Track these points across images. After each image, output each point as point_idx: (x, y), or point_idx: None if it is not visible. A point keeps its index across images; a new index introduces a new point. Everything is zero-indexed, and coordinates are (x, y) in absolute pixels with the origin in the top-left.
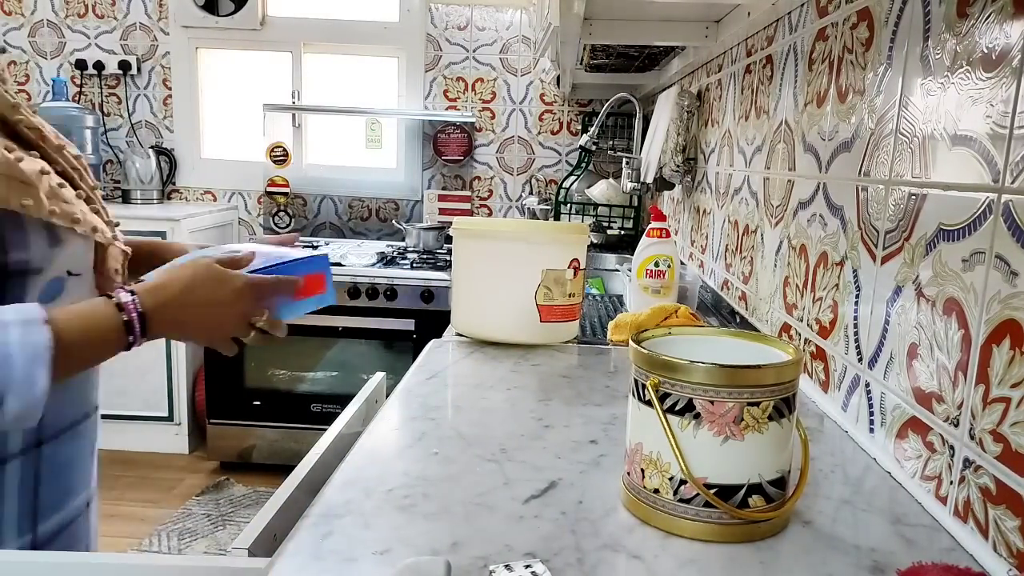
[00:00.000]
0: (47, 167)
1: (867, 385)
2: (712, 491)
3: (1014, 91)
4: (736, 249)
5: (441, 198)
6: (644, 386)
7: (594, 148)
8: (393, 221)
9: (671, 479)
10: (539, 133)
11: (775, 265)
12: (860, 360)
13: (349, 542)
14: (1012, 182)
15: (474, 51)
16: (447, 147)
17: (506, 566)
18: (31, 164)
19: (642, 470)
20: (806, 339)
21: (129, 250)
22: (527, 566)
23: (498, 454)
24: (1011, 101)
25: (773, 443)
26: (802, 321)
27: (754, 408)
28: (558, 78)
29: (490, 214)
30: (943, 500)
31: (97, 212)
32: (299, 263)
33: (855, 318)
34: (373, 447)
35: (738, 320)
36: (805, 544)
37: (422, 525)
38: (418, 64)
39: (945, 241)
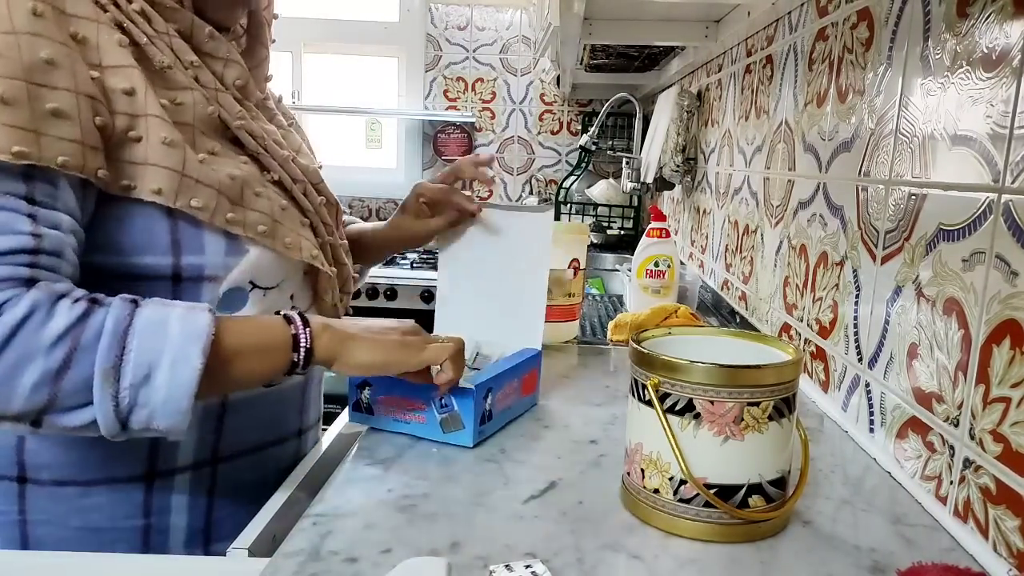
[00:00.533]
0: (246, 172)
1: (867, 385)
2: (712, 491)
3: (1014, 91)
4: (736, 249)
5: None
6: (644, 386)
7: (594, 148)
8: None
9: (671, 479)
10: (539, 133)
11: (775, 265)
12: (860, 360)
13: (349, 542)
14: (1012, 182)
15: (474, 51)
16: (447, 147)
17: (506, 566)
18: (223, 167)
19: (642, 470)
20: (806, 339)
21: (357, 278)
22: (527, 566)
23: (498, 454)
24: (1011, 101)
25: (773, 443)
26: (802, 321)
27: (754, 408)
28: (558, 78)
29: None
30: (943, 500)
31: (315, 229)
32: (521, 364)
33: (855, 318)
34: (373, 447)
35: (738, 320)
36: (805, 544)
37: (422, 525)
38: (418, 64)
39: (945, 241)
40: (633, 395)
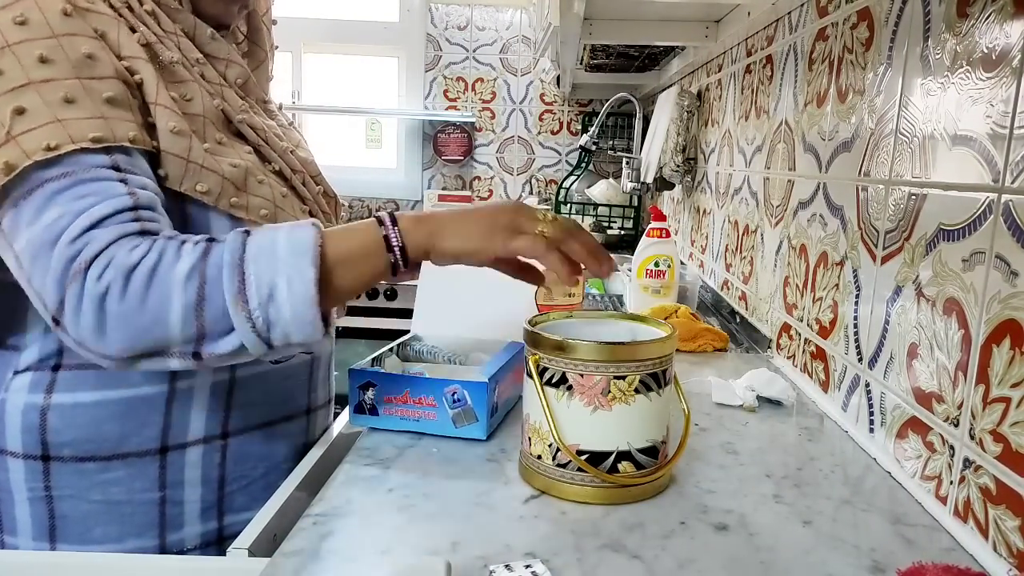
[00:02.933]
0: (247, 162)
1: (867, 385)
2: (583, 457)
3: (1014, 91)
4: (736, 249)
5: (441, 198)
6: (527, 361)
7: (594, 148)
8: None
9: (550, 446)
10: (539, 133)
11: (775, 265)
12: (860, 360)
13: (349, 542)
14: (1012, 182)
15: (474, 51)
16: (447, 147)
17: (506, 566)
18: (227, 156)
19: (529, 438)
20: (806, 339)
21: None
22: (527, 566)
23: (498, 454)
24: (1011, 101)
25: (641, 414)
26: (802, 321)
27: (620, 381)
28: (558, 78)
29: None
30: (943, 500)
31: (313, 215)
32: (515, 357)
33: (855, 318)
34: (373, 447)
35: (738, 320)
36: (805, 544)
37: (422, 525)
38: (418, 64)
39: (945, 241)
40: (525, 372)
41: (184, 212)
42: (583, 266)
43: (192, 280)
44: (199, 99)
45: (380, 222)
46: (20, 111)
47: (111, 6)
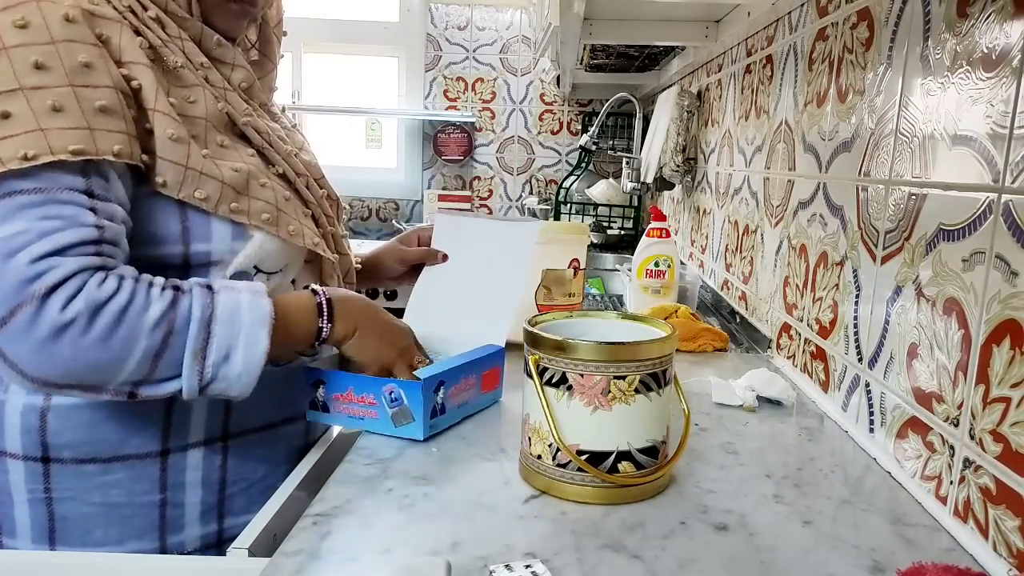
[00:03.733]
0: (250, 166)
1: (867, 385)
2: (583, 457)
3: (1014, 91)
4: (736, 249)
5: (441, 198)
6: (527, 362)
7: (594, 148)
8: (393, 221)
9: (550, 446)
10: (539, 133)
11: (775, 265)
12: (860, 360)
13: (349, 542)
14: (1012, 182)
15: (474, 51)
16: (447, 147)
17: (506, 566)
18: (230, 160)
19: (529, 438)
20: (806, 339)
21: (356, 263)
22: (527, 566)
23: (498, 454)
24: (1011, 101)
25: (641, 414)
26: (802, 321)
27: (620, 381)
28: (558, 78)
29: (490, 214)
30: (943, 500)
31: (316, 220)
32: (480, 360)
33: (855, 318)
34: (373, 447)
35: (738, 320)
36: (805, 544)
37: (422, 525)
38: (418, 64)
39: (945, 241)
40: (524, 372)
41: (185, 217)
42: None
43: (159, 328)
44: (202, 102)
45: (314, 292)
46: (5, 115)
47: (116, 9)
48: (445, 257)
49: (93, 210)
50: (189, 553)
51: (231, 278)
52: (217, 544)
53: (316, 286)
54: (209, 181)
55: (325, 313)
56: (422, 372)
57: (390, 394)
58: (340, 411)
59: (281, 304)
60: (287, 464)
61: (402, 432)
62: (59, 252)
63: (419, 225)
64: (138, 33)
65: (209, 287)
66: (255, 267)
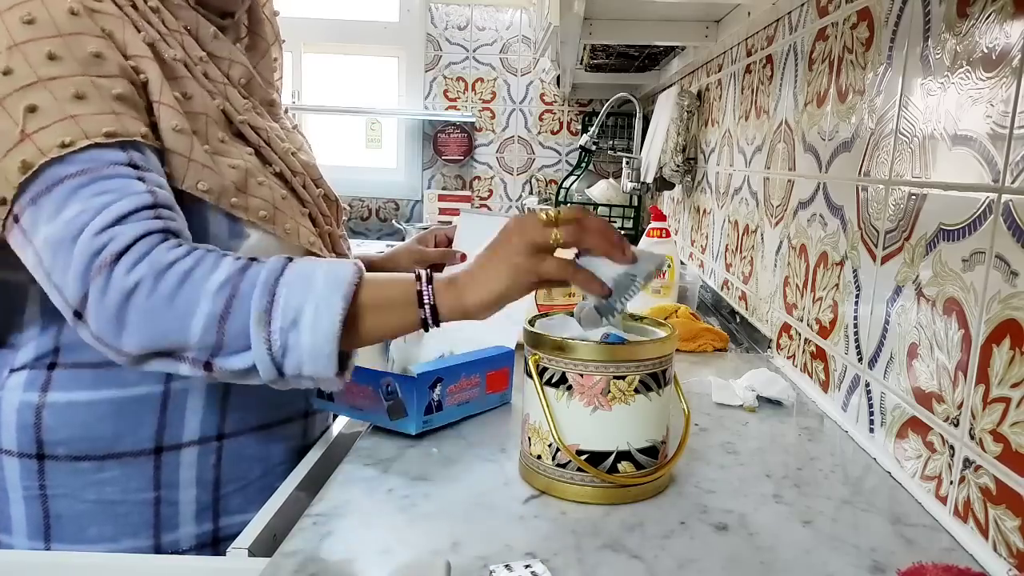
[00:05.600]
0: (248, 164)
1: (867, 385)
2: (583, 457)
3: (1014, 91)
4: (736, 249)
5: (441, 198)
6: (527, 361)
7: (594, 148)
8: (393, 221)
9: (550, 446)
10: (539, 133)
11: (775, 265)
12: (860, 360)
13: (349, 542)
14: (1012, 182)
15: (474, 51)
16: (447, 147)
17: (506, 566)
18: (233, 158)
19: (529, 438)
20: (806, 339)
21: (355, 261)
22: (527, 566)
23: (498, 454)
24: (1011, 101)
25: (641, 414)
26: (802, 321)
27: (620, 381)
28: (558, 78)
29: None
30: (943, 500)
31: (313, 219)
32: (485, 360)
33: (855, 318)
34: (373, 447)
35: (738, 320)
36: (805, 544)
37: (422, 525)
38: (418, 64)
39: (945, 241)
40: (524, 371)
41: (185, 209)
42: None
43: (223, 291)
44: (199, 98)
45: (417, 278)
46: (32, 108)
47: (117, 4)
48: (464, 257)
49: (141, 179)
50: (184, 552)
51: None
52: (213, 543)
53: (422, 271)
54: (211, 174)
55: (423, 278)
56: (418, 367)
57: (387, 387)
58: (343, 401)
59: (373, 277)
60: (285, 464)
61: (397, 426)
62: (118, 222)
63: (435, 226)
64: (139, 29)
65: (290, 257)
66: None
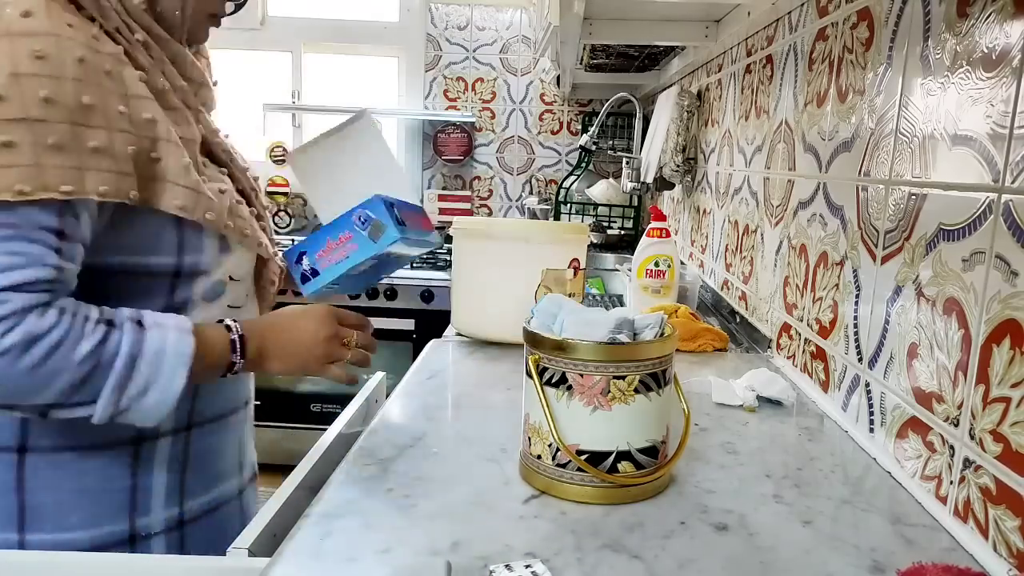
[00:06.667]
0: (228, 185)
1: (867, 385)
2: (583, 457)
3: (1014, 91)
4: (736, 249)
5: (441, 198)
6: (527, 361)
7: (594, 148)
8: None
9: (550, 446)
10: (539, 133)
11: (775, 265)
12: (860, 360)
13: (349, 542)
14: (1012, 182)
15: (474, 51)
16: (447, 147)
17: (506, 566)
18: (217, 182)
19: (529, 438)
20: (806, 339)
21: (284, 264)
22: (527, 566)
23: (498, 454)
24: (1011, 101)
25: (641, 414)
26: (802, 321)
27: (620, 381)
28: (558, 78)
29: (490, 214)
30: (943, 500)
31: (264, 229)
32: (348, 214)
33: (855, 318)
34: (373, 447)
35: (738, 320)
36: (805, 544)
37: (422, 525)
38: (418, 64)
39: (945, 241)
40: (525, 371)
41: (181, 232)
42: None
43: (87, 363)
44: (185, 126)
45: (228, 328)
46: (8, 144)
47: (109, 35)
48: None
49: (59, 251)
50: (155, 535)
51: (211, 286)
52: (179, 526)
53: (230, 321)
54: (214, 203)
55: (238, 348)
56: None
57: (360, 219)
58: (328, 265)
59: (201, 340)
60: (234, 448)
61: (383, 243)
62: (13, 288)
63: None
64: (129, 57)
65: (140, 323)
66: (229, 276)
